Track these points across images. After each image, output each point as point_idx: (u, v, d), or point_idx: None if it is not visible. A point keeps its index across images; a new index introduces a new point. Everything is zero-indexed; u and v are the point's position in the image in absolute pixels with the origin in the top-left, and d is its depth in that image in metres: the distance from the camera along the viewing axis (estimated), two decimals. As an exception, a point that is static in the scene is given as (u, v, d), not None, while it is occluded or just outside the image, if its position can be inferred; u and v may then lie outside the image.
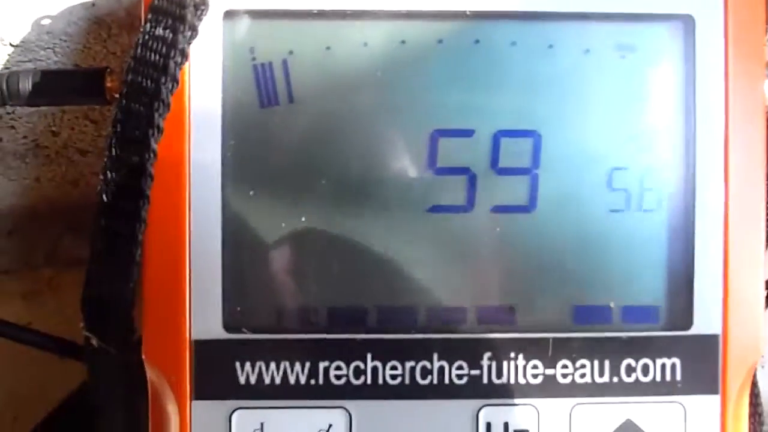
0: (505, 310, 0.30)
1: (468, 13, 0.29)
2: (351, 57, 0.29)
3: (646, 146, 0.30)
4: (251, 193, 0.29)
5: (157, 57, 0.27)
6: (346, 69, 0.30)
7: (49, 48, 0.37)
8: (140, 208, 0.28)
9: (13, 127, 0.44)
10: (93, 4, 0.34)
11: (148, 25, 0.28)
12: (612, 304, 0.30)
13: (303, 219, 0.29)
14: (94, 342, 0.30)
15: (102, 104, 0.33)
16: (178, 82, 0.27)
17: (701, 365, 0.30)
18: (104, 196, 0.28)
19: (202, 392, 0.29)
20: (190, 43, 0.27)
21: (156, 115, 0.27)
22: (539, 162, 0.30)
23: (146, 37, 0.27)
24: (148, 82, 0.27)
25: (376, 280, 0.30)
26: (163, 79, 0.27)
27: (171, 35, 0.27)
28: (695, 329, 0.30)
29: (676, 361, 0.30)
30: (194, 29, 0.27)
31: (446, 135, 0.30)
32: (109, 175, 0.28)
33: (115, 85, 0.31)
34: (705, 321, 0.30)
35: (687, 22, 0.30)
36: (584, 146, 0.30)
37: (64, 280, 0.53)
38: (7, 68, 0.37)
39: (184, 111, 0.29)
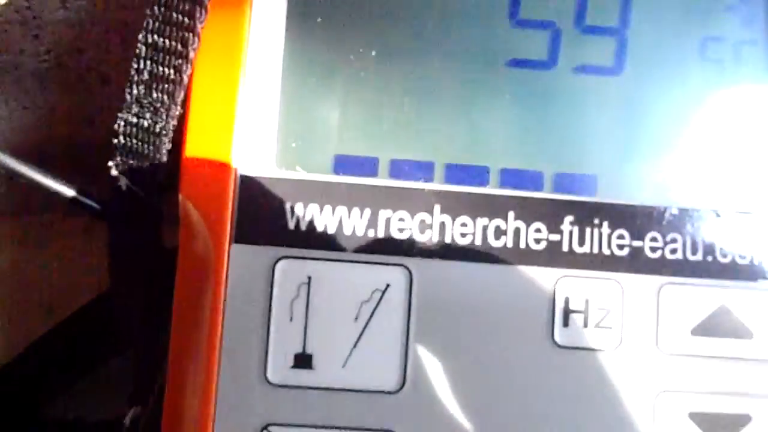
0: (585, 179, 0.27)
1: None
2: None
3: (745, 16, 0.28)
4: (319, 20, 0.26)
5: None
6: None
7: None
8: (195, 20, 0.25)
9: (37, 36, 0.41)
10: None
11: None
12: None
13: (374, 54, 0.26)
14: (123, 184, 0.27)
15: None
16: None
17: (807, 250, 0.26)
18: (155, 8, 0.25)
19: (244, 235, 0.25)
20: None
21: None
22: (629, 21, 0.27)
23: None
24: None
25: (446, 135, 0.27)
26: None
27: None
28: (801, 210, 0.27)
29: (779, 243, 0.26)
30: None
31: (531, -16, 0.27)
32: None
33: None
34: (812, 202, 0.27)
35: None
36: (678, 8, 0.28)
37: (65, 227, 0.49)
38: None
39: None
